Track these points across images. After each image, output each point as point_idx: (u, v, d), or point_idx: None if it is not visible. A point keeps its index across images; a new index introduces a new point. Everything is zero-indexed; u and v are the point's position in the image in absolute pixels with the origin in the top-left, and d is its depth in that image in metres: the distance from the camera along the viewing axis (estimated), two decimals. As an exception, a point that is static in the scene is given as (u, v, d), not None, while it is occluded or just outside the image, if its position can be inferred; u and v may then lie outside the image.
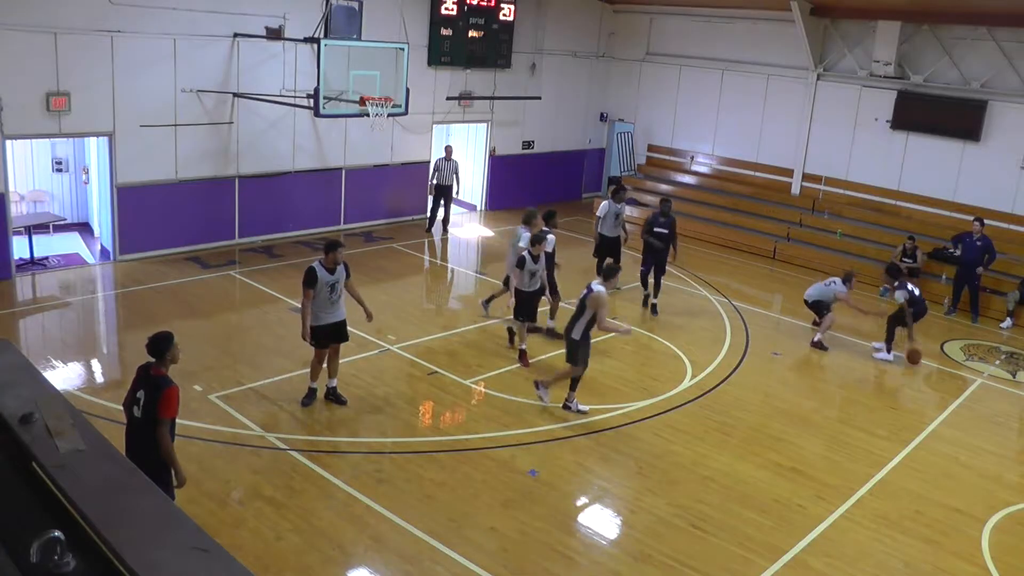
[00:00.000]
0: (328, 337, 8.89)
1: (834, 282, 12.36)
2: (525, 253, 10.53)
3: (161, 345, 5.91)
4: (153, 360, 5.94)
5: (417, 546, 6.79)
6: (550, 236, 11.29)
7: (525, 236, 11.21)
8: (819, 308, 12.39)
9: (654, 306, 13.20)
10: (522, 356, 10.66)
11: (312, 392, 9.12)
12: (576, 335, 9.10)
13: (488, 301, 12.30)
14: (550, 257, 11.30)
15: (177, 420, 6.25)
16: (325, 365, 9.10)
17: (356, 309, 9.02)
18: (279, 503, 7.20)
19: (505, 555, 6.78)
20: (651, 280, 13.28)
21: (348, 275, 8.82)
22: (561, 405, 9.40)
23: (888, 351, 12.01)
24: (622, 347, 11.60)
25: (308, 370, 9.17)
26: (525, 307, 10.62)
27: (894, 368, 11.89)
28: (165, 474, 5.91)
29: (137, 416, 5.91)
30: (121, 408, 6.27)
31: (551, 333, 11.55)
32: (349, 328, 9.05)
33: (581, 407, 9.39)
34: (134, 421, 5.97)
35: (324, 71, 12.40)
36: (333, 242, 8.76)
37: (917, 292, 12.18)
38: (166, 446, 5.86)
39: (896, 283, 12.07)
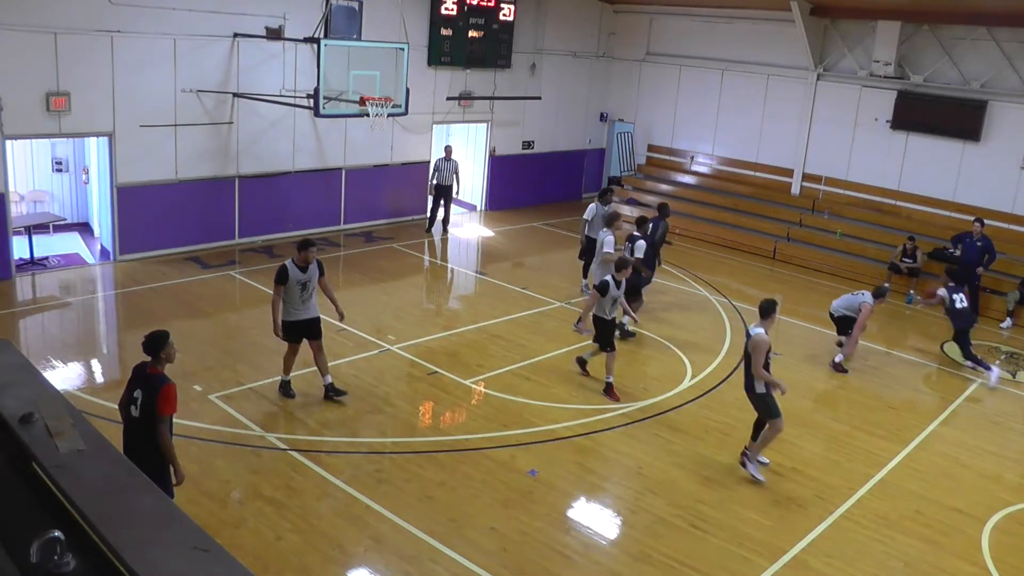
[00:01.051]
0: (300, 333, 9.01)
1: (864, 294, 11.68)
2: (609, 278, 9.82)
3: (157, 343, 5.92)
4: (149, 359, 5.95)
5: (417, 546, 6.79)
6: (640, 242, 11.55)
7: (609, 240, 11.60)
8: (844, 324, 11.68)
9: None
10: (609, 390, 9.93)
11: (287, 384, 9.22)
12: (760, 388, 8.20)
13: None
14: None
15: (177, 420, 6.26)
16: (315, 366, 9.19)
17: (354, 309, 9.01)
18: (279, 503, 7.20)
19: (505, 555, 6.78)
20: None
21: (322, 273, 8.95)
22: (739, 459, 8.49)
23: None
24: (622, 348, 11.58)
25: (308, 370, 9.18)
26: (607, 335, 9.96)
27: (894, 368, 11.89)
28: (165, 474, 5.92)
29: (135, 416, 5.91)
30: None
31: (625, 333, 11.72)
32: (348, 328, 9.07)
33: (762, 459, 8.50)
34: (132, 421, 5.96)
35: (324, 71, 12.39)
36: (306, 241, 8.92)
37: (960, 304, 11.69)
38: (166, 443, 5.88)
39: (951, 283, 11.88)
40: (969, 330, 11.97)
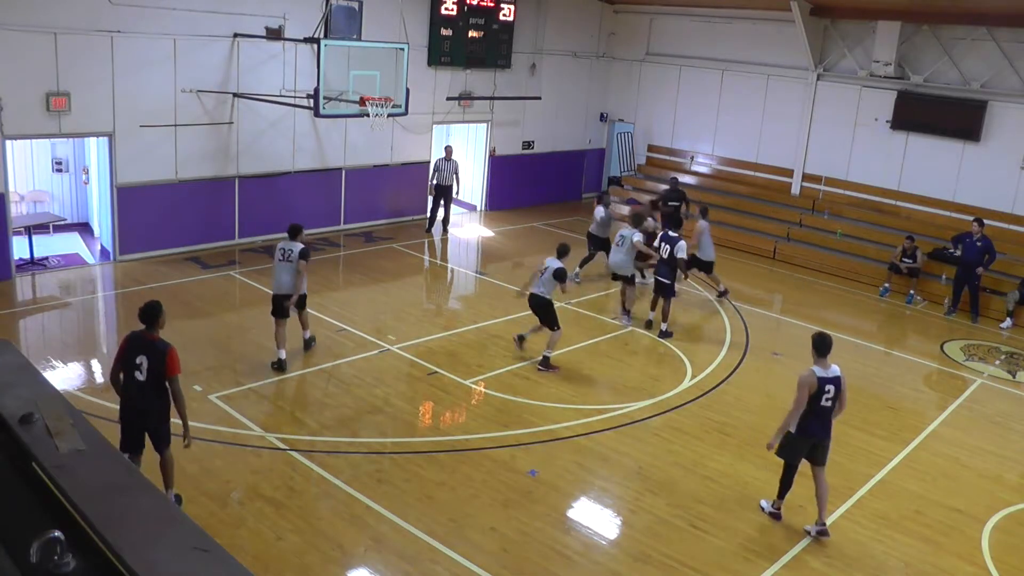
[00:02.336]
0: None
1: (621, 236, 12.40)
2: (562, 265, 10.51)
3: (154, 312, 6.56)
4: (144, 327, 6.54)
5: (417, 546, 6.79)
6: (681, 242, 12.01)
7: (638, 238, 12.24)
8: (624, 279, 12.51)
9: None
10: (545, 363, 10.46)
11: (283, 361, 9.87)
12: (792, 427, 7.32)
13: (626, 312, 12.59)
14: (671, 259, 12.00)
15: (177, 420, 6.44)
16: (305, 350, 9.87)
17: (354, 309, 9.01)
18: (279, 503, 7.20)
19: (505, 555, 6.78)
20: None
21: None
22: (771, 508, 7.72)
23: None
24: (622, 347, 11.61)
25: (308, 370, 9.22)
26: (553, 314, 10.48)
27: (894, 368, 11.88)
28: (166, 423, 6.66)
29: (140, 380, 6.47)
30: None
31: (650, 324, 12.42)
32: (348, 328, 9.15)
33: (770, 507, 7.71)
34: (136, 385, 6.50)
35: (324, 71, 12.39)
36: (298, 224, 10.05)
37: (667, 248, 12.05)
38: (182, 400, 6.56)
39: (670, 232, 12.46)
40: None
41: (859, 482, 8.41)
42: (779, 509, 7.63)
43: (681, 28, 20.01)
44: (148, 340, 6.50)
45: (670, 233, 12.16)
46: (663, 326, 12.05)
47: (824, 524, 7.38)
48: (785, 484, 7.51)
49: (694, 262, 13.56)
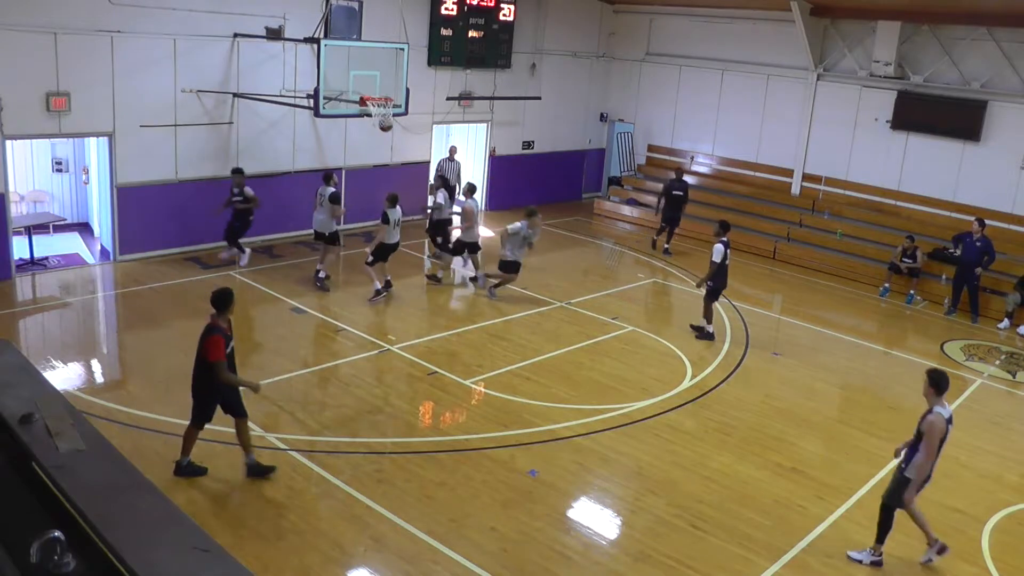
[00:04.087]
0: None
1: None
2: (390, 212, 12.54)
3: (218, 297, 7.08)
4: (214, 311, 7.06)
5: (417, 546, 6.79)
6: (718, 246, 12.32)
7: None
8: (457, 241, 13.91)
9: (666, 249, 16.90)
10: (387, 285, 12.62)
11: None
12: (911, 473, 6.98)
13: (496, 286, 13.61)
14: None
15: (177, 420, 6.43)
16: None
17: (355, 309, 9.01)
18: (279, 503, 7.20)
19: (505, 555, 6.78)
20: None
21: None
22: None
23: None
24: (622, 347, 11.61)
25: (307, 371, 9.23)
26: (383, 254, 12.55)
27: (894, 368, 11.88)
28: (232, 395, 7.21)
29: (196, 357, 7.09)
30: (120, 408, 6.31)
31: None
32: (349, 329, 9.12)
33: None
34: (197, 361, 7.09)
35: (324, 71, 12.39)
36: (330, 172, 12.99)
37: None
38: (229, 381, 7.10)
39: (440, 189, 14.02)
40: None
41: (859, 482, 8.41)
42: (880, 555, 7.09)
43: (681, 28, 20.01)
44: (208, 324, 7.05)
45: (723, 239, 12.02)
46: (708, 328, 12.12)
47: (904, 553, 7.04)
48: (886, 526, 7.09)
49: (464, 244, 13.87)
